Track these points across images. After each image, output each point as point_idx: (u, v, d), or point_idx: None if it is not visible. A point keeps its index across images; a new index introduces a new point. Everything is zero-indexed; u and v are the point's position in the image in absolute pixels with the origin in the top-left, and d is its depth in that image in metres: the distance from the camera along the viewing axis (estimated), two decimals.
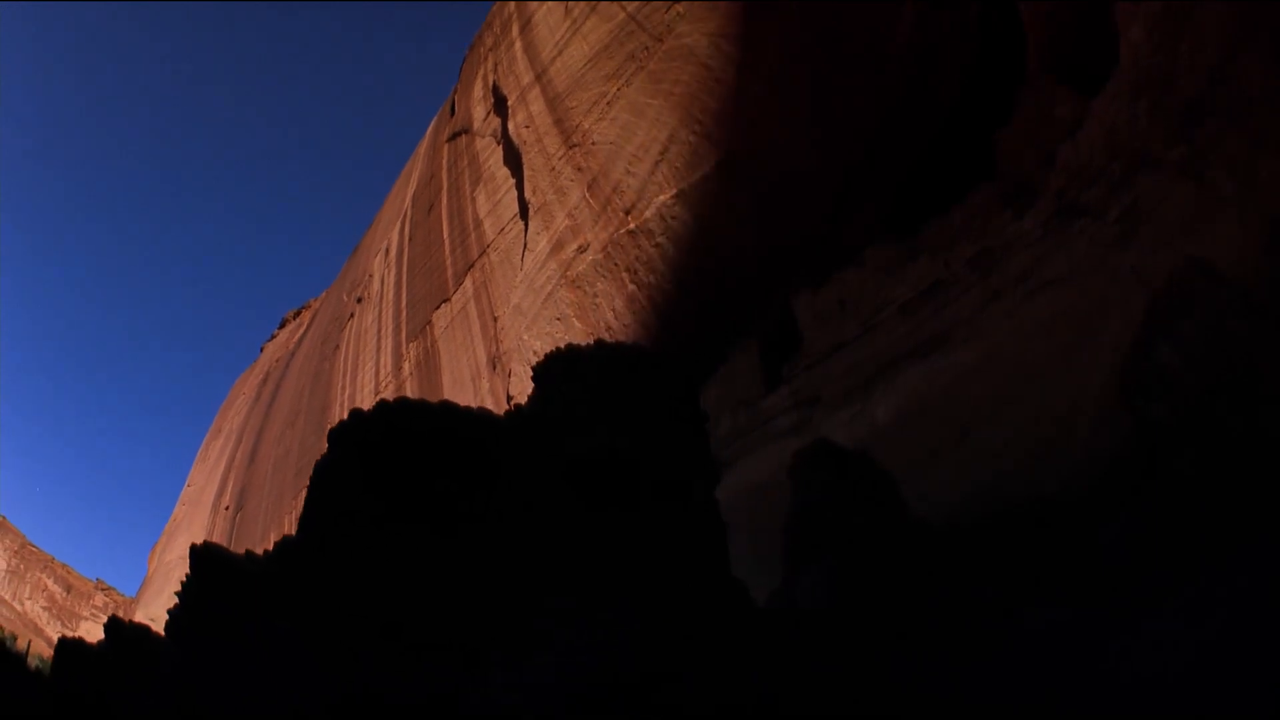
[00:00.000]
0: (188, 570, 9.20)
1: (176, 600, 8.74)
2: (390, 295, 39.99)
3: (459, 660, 5.92)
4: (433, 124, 41.74)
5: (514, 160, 31.40)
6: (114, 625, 16.70)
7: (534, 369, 9.03)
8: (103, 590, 56.18)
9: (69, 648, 17.88)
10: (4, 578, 41.55)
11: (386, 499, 7.12)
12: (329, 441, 8.31)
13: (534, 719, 5.13)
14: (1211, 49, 13.16)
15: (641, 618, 5.83)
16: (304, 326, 52.57)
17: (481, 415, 8.08)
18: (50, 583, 41.02)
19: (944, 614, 6.77)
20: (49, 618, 45.88)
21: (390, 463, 7.36)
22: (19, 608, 40.07)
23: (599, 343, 9.16)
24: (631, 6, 25.68)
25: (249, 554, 8.41)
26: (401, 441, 7.53)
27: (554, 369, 8.79)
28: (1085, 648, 5.59)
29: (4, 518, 42.93)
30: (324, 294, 53.92)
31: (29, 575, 41.63)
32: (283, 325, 58.56)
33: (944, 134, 18.71)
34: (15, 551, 42.88)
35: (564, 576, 6.30)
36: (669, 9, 24.10)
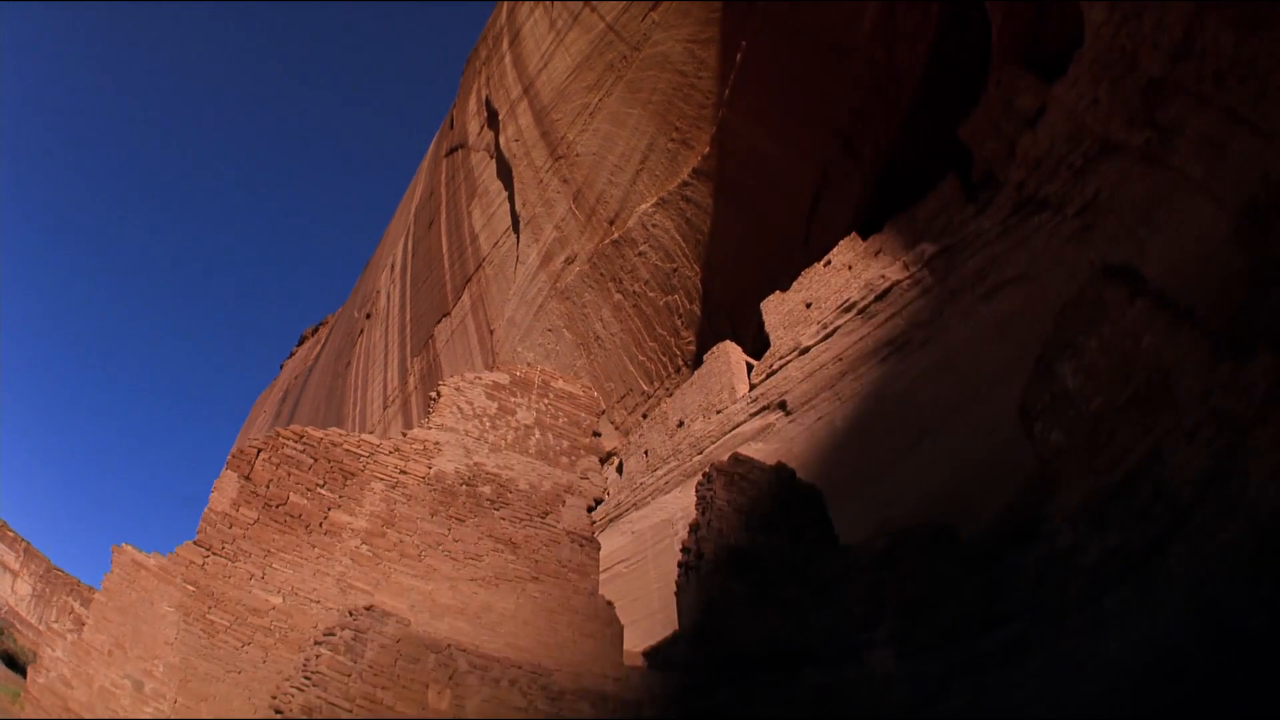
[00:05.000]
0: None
1: None
2: (395, 311, 40.61)
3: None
4: (435, 138, 42.36)
5: (506, 174, 31.62)
6: None
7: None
8: None
9: None
10: (30, 602, 43.15)
11: (259, 508, 7.34)
12: (227, 460, 8.44)
13: None
14: (1175, 22, 12.41)
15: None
16: (321, 343, 53.76)
17: (361, 439, 8.10)
18: (77, 605, 42.39)
19: (773, 649, 6.35)
20: None
21: (268, 477, 7.54)
22: (45, 631, 41.39)
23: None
24: (610, 16, 25.65)
25: (155, 555, 8.65)
26: (282, 460, 7.63)
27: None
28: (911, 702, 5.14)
29: (29, 543, 44.75)
30: (340, 309, 55.10)
31: (55, 599, 43.16)
32: (301, 342, 59.97)
33: (916, 128, 18.13)
34: (41, 576, 44.52)
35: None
36: (645, 17, 24.00)
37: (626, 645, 12.85)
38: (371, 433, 39.50)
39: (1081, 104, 13.05)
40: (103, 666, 7.82)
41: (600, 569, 21.13)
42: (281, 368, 60.30)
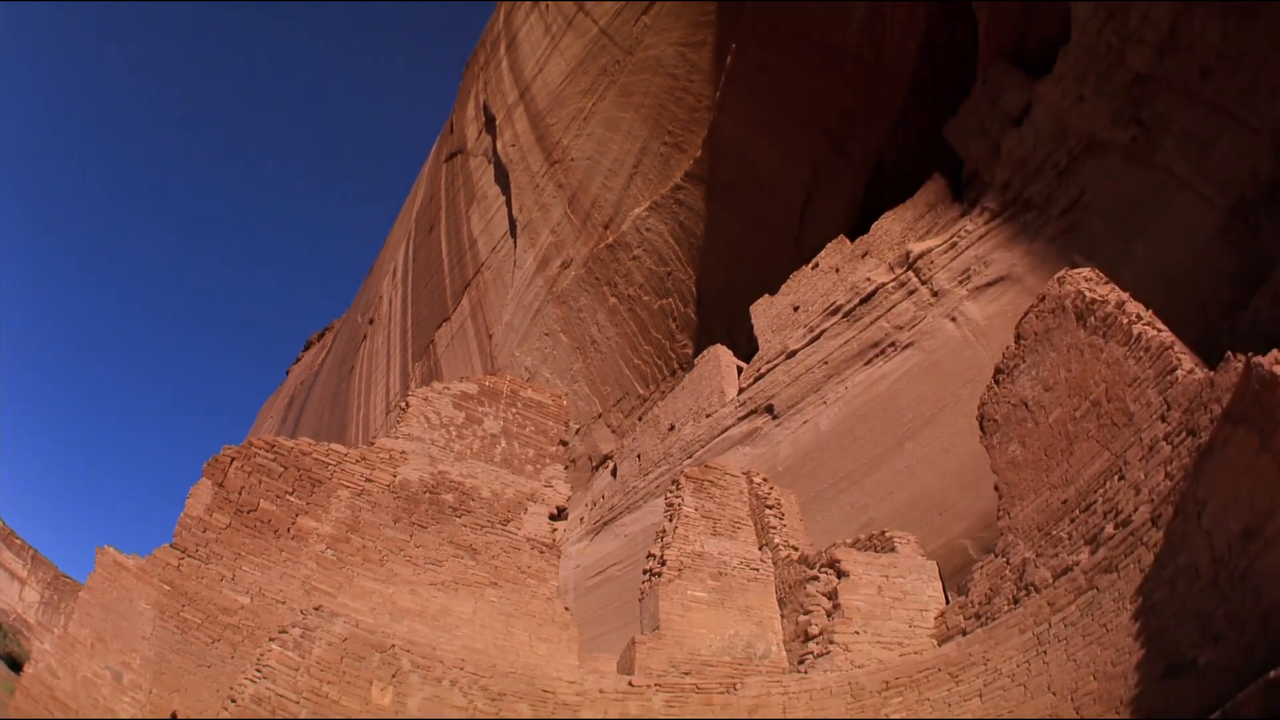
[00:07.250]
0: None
1: None
2: (397, 316, 40.79)
3: None
4: (436, 143, 42.55)
5: (503, 178, 31.70)
6: None
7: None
8: None
9: None
10: (39, 608, 43.66)
11: (231, 514, 7.47)
12: (203, 469, 8.56)
13: None
14: (1162, 16, 12.22)
15: None
16: (326, 349, 54.11)
17: (329, 449, 8.15)
18: None
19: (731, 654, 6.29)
20: None
21: (240, 484, 7.65)
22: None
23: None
24: (603, 20, 25.69)
25: (135, 556, 8.83)
26: (254, 468, 7.71)
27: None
28: None
29: (36, 551, 45.31)
30: (345, 314, 55.44)
31: (63, 606, 43.65)
32: (307, 348, 60.40)
33: (906, 128, 18.01)
34: (49, 583, 45.03)
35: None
36: (637, 20, 24.00)
37: (616, 649, 12.80)
38: (375, 438, 39.70)
39: (1067, 101, 12.91)
40: (85, 658, 8.05)
41: (594, 572, 21.13)
42: (287, 373, 60.74)
